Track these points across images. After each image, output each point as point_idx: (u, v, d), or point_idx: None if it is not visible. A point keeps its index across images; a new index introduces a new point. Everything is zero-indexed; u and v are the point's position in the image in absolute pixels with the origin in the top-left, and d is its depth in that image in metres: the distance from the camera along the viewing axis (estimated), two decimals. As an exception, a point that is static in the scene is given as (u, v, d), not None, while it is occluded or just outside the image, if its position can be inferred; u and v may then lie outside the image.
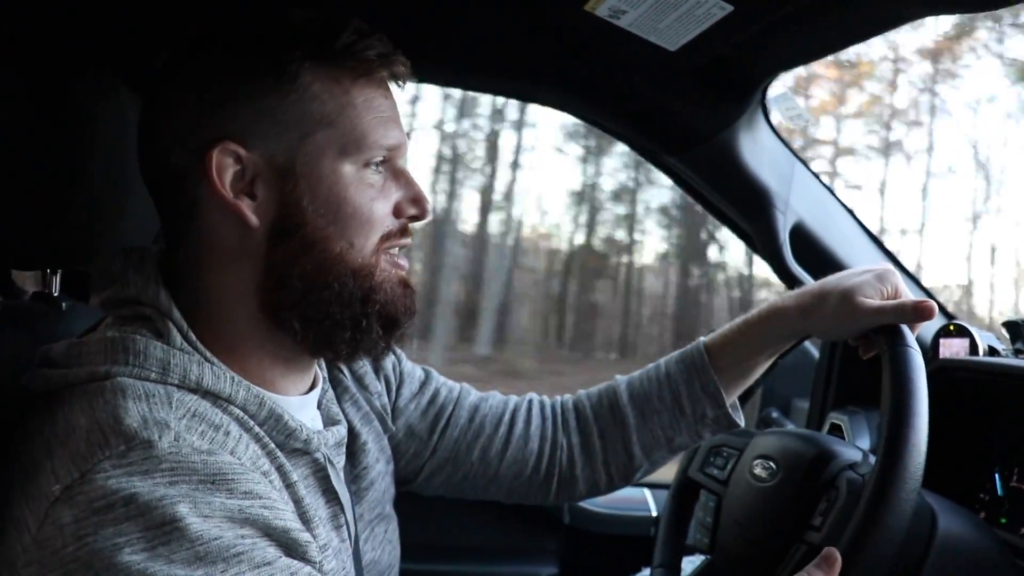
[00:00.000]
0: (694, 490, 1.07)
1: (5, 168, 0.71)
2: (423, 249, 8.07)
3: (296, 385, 0.72)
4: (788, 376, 1.41)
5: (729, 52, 0.92)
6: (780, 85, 1.08)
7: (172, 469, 0.54)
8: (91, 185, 0.75)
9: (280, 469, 0.64)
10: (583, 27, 0.90)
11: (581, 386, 0.98)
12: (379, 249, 0.68)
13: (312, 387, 0.74)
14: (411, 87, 0.77)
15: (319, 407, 0.76)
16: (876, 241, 1.26)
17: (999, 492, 0.99)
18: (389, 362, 0.89)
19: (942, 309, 1.23)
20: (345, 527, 0.72)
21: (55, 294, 0.84)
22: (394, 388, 0.89)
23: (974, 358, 1.09)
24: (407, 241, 0.71)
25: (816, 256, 1.20)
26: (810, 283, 0.93)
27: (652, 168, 1.26)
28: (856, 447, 0.94)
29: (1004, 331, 1.16)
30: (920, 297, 0.81)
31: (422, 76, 0.72)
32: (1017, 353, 1.11)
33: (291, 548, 0.58)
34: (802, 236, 1.19)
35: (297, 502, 0.64)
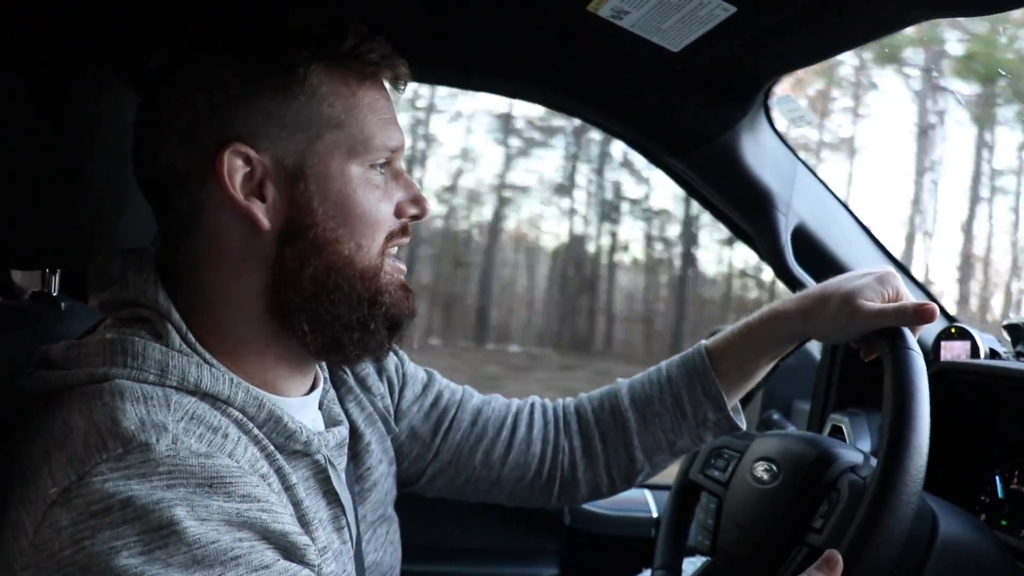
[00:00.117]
0: (695, 492, 1.07)
1: (4, 167, 0.70)
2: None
3: (297, 386, 0.72)
4: (789, 378, 1.41)
5: (732, 53, 0.92)
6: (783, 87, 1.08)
7: (170, 472, 0.53)
8: (90, 185, 0.75)
9: (279, 471, 0.63)
10: (585, 27, 0.90)
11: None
12: (383, 250, 0.69)
13: (313, 388, 0.74)
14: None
15: (320, 408, 0.76)
16: (877, 243, 1.26)
17: (999, 495, 0.99)
18: (392, 363, 0.89)
19: (943, 311, 1.23)
20: (347, 529, 0.71)
21: (54, 294, 0.83)
22: (397, 390, 0.89)
23: (975, 361, 1.08)
24: (406, 240, 0.72)
25: (818, 258, 1.19)
26: (811, 285, 0.93)
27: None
28: (857, 449, 0.94)
29: (1005, 333, 1.16)
30: (921, 299, 0.81)
31: (423, 76, 0.73)
32: (1018, 356, 1.11)
33: (289, 551, 0.58)
34: (804, 238, 1.19)
35: (296, 504, 0.64)
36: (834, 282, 0.86)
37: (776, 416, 1.47)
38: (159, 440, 0.54)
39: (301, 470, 0.68)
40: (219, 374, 0.63)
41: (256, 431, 0.63)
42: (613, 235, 9.56)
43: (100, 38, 0.88)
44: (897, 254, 1.27)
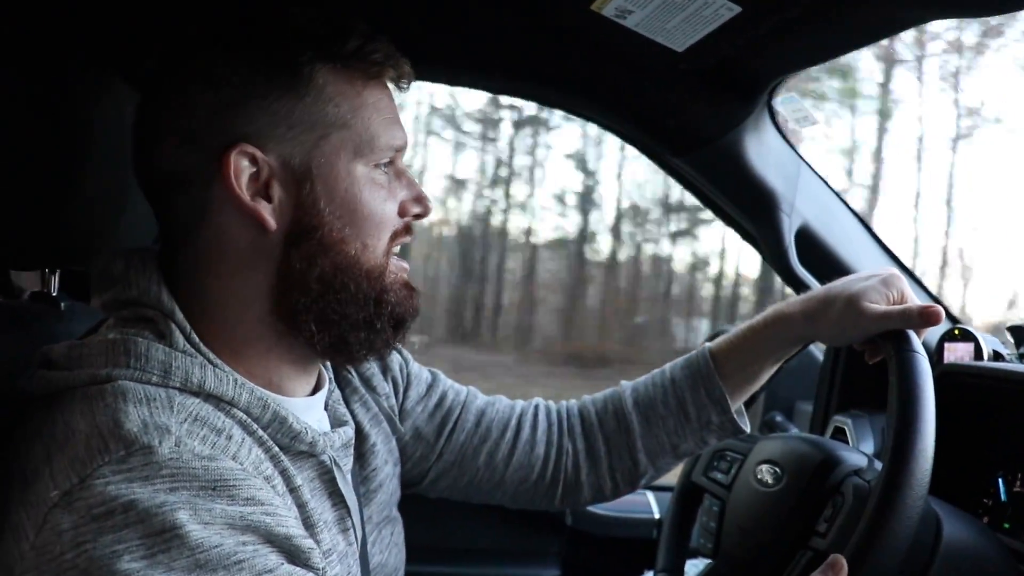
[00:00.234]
0: (697, 494, 1.07)
1: (3, 167, 0.70)
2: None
3: (302, 386, 0.71)
4: (791, 379, 1.40)
5: (736, 53, 0.91)
6: (787, 87, 1.08)
7: (172, 475, 0.53)
8: (90, 184, 0.74)
9: (284, 473, 0.63)
10: (589, 27, 0.89)
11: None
12: (388, 250, 0.69)
13: (318, 388, 0.74)
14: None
15: (325, 408, 0.75)
16: (882, 245, 1.25)
17: (1002, 497, 0.99)
18: (396, 363, 0.89)
19: (947, 313, 1.23)
20: (352, 530, 0.71)
21: (54, 294, 0.83)
22: (401, 390, 0.89)
23: (979, 363, 1.08)
24: (409, 239, 0.72)
25: (821, 259, 1.19)
26: (815, 287, 0.92)
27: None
28: (861, 452, 0.94)
29: (1009, 335, 1.16)
30: (926, 302, 0.80)
31: (426, 75, 0.72)
32: (1021, 358, 1.11)
33: (293, 555, 0.57)
34: (808, 239, 1.18)
35: (301, 506, 0.63)
36: (838, 284, 0.85)
37: (779, 418, 1.47)
38: (162, 442, 0.54)
39: (306, 471, 0.67)
40: (223, 375, 0.62)
41: (260, 432, 0.63)
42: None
43: (99, 37, 0.88)
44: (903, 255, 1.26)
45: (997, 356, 1.10)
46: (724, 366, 0.90)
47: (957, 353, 1.12)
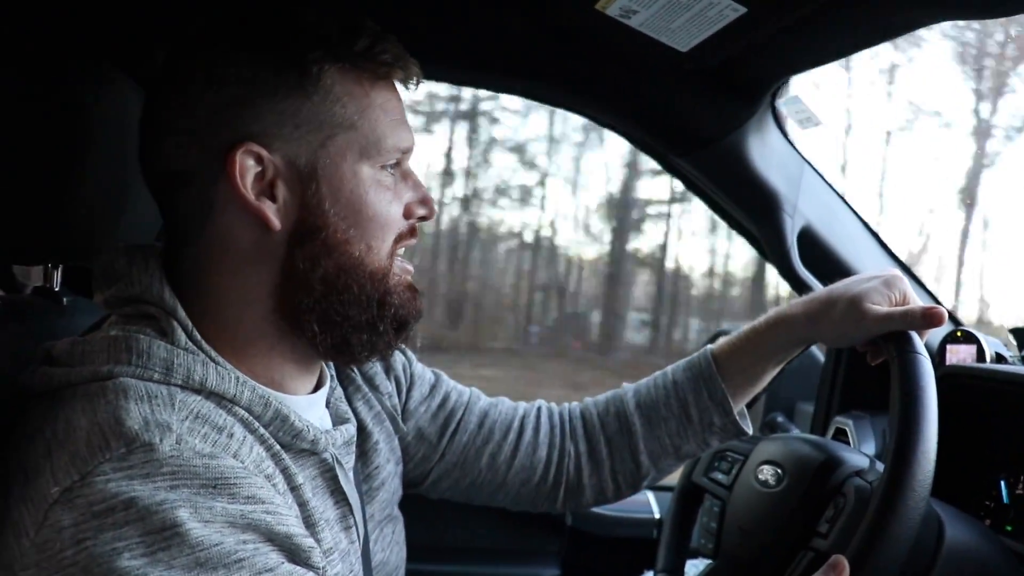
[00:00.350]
0: (698, 495, 1.07)
1: (5, 162, 0.70)
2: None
3: (304, 384, 0.71)
4: (793, 380, 1.41)
5: (740, 54, 0.91)
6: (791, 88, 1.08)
7: (173, 473, 0.53)
8: (92, 180, 0.74)
9: (285, 471, 0.63)
10: (594, 26, 0.89)
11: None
12: (392, 252, 0.69)
13: (319, 386, 0.74)
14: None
15: (327, 406, 0.75)
16: (884, 246, 1.25)
17: (1004, 500, 0.99)
18: (399, 363, 0.89)
19: (949, 315, 1.23)
20: (354, 528, 0.71)
21: (56, 289, 0.83)
22: (404, 390, 0.89)
23: (981, 365, 1.08)
24: (414, 241, 0.71)
25: (824, 260, 1.19)
26: (818, 288, 0.92)
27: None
28: (862, 453, 0.94)
29: (1011, 337, 1.16)
30: (928, 303, 0.80)
31: (431, 74, 0.72)
32: (1024, 360, 1.11)
33: (294, 553, 0.57)
34: (810, 240, 1.18)
35: (302, 504, 0.63)
36: (840, 285, 0.85)
37: (780, 418, 1.47)
38: (163, 440, 0.54)
39: (308, 469, 0.67)
40: (225, 372, 0.62)
41: (262, 430, 0.63)
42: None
43: (103, 32, 0.88)
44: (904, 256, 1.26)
45: (999, 358, 1.10)
46: (726, 368, 0.90)
47: (959, 355, 1.12)
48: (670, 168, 1.27)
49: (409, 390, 0.89)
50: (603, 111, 1.14)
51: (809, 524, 0.85)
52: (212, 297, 0.65)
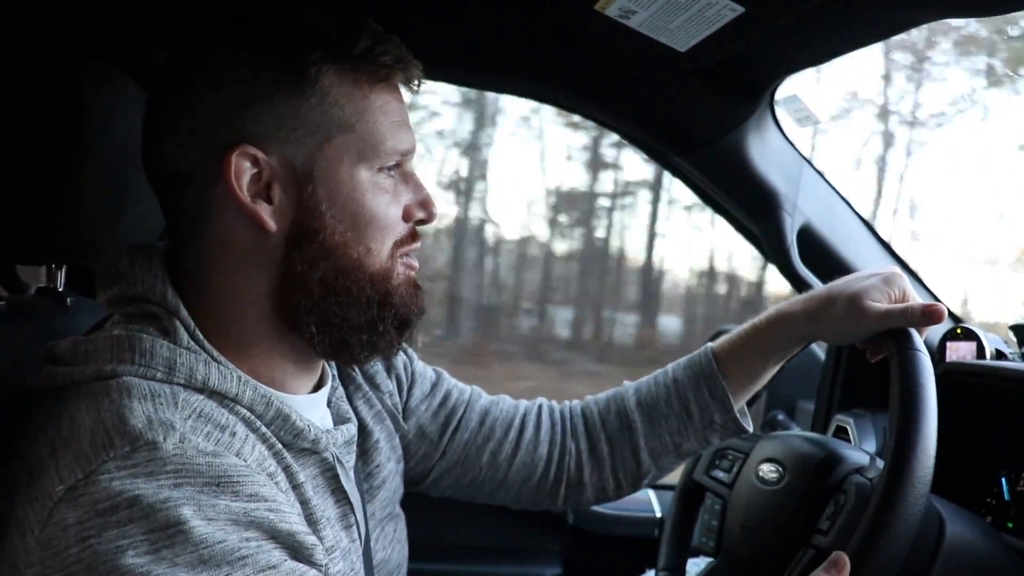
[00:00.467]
0: (699, 493, 1.07)
1: (7, 162, 0.70)
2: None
3: (305, 384, 0.71)
4: (793, 378, 1.41)
5: (739, 54, 0.91)
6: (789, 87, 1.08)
7: (177, 471, 0.53)
8: (95, 180, 0.75)
9: (287, 470, 0.63)
10: (593, 27, 0.89)
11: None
12: (393, 254, 0.68)
13: (320, 385, 0.74)
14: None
15: (328, 405, 0.75)
16: (884, 244, 1.25)
17: (1005, 496, 0.99)
18: (400, 361, 0.89)
19: (949, 312, 1.23)
20: (355, 527, 0.71)
21: (60, 289, 0.83)
22: (405, 388, 0.89)
23: (981, 362, 1.08)
24: (417, 245, 0.71)
25: (823, 258, 1.19)
26: (817, 286, 0.92)
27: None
28: (863, 450, 0.94)
29: (1011, 334, 1.16)
30: (928, 300, 0.80)
31: (431, 74, 0.72)
32: (1024, 357, 1.11)
33: (297, 551, 0.58)
34: (809, 238, 1.18)
35: (304, 503, 0.64)
36: (840, 283, 0.85)
37: (781, 416, 1.47)
38: (166, 438, 0.54)
39: (309, 468, 0.67)
40: (227, 371, 0.62)
41: (264, 429, 0.63)
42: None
43: (105, 31, 0.88)
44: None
45: (1000, 355, 1.10)
46: (727, 365, 0.90)
47: (959, 352, 1.12)
48: (670, 167, 1.27)
49: (410, 388, 0.89)
50: (603, 111, 1.15)
51: (810, 521, 0.85)
52: (213, 297, 0.66)
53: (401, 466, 0.87)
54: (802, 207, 1.17)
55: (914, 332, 0.78)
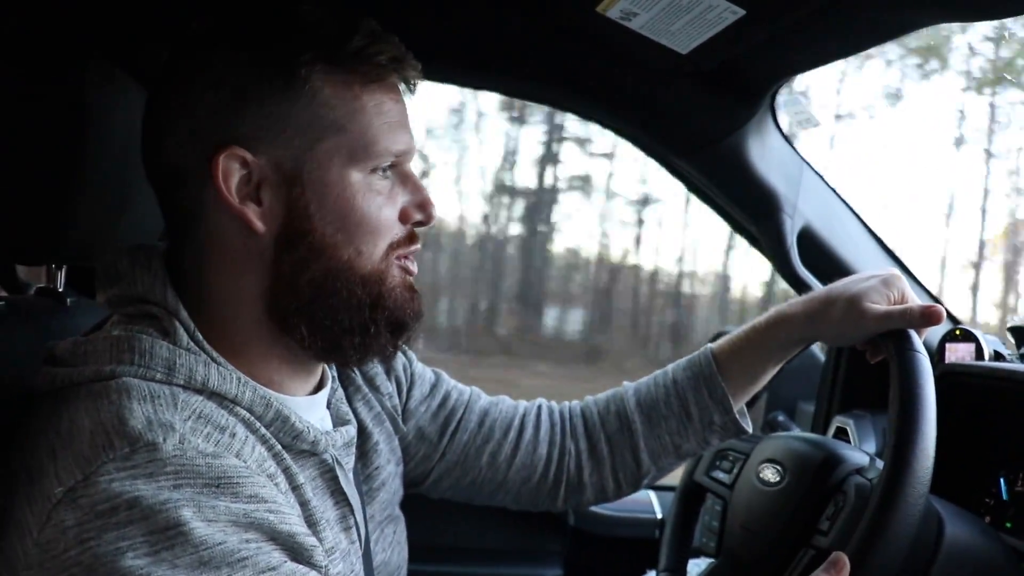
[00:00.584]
0: (700, 494, 1.07)
1: (8, 161, 0.70)
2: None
3: (304, 385, 0.71)
4: (793, 379, 1.41)
5: (740, 56, 0.92)
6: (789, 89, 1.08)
7: (176, 472, 0.53)
8: (94, 180, 0.74)
9: (287, 471, 0.63)
10: (594, 28, 0.89)
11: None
12: (387, 256, 0.68)
13: (320, 387, 0.74)
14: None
15: (328, 407, 0.75)
16: (883, 245, 1.26)
17: (1004, 497, 0.99)
18: (400, 363, 0.89)
19: (948, 313, 1.23)
20: (355, 529, 0.71)
21: (60, 289, 0.83)
22: (405, 390, 0.89)
23: (980, 363, 1.08)
24: (416, 248, 0.70)
25: (823, 260, 1.19)
26: (817, 288, 0.92)
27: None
28: (862, 451, 0.94)
29: (1010, 336, 1.16)
30: (927, 302, 0.81)
31: (430, 74, 0.72)
32: (1022, 358, 1.11)
33: (297, 552, 0.58)
34: (810, 240, 1.19)
35: (304, 504, 0.64)
36: (840, 285, 0.86)
37: (781, 418, 1.47)
38: (166, 440, 0.54)
39: (308, 470, 0.67)
40: (226, 373, 0.62)
41: (263, 430, 0.63)
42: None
43: (105, 30, 0.88)
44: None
45: (998, 356, 1.10)
46: (726, 367, 0.90)
47: (958, 353, 1.12)
48: (671, 169, 1.27)
49: (409, 390, 0.89)
50: (603, 113, 1.15)
51: (810, 522, 0.85)
52: (210, 297, 0.66)
53: (401, 468, 0.87)
54: (802, 209, 1.17)
55: (913, 333, 0.79)
